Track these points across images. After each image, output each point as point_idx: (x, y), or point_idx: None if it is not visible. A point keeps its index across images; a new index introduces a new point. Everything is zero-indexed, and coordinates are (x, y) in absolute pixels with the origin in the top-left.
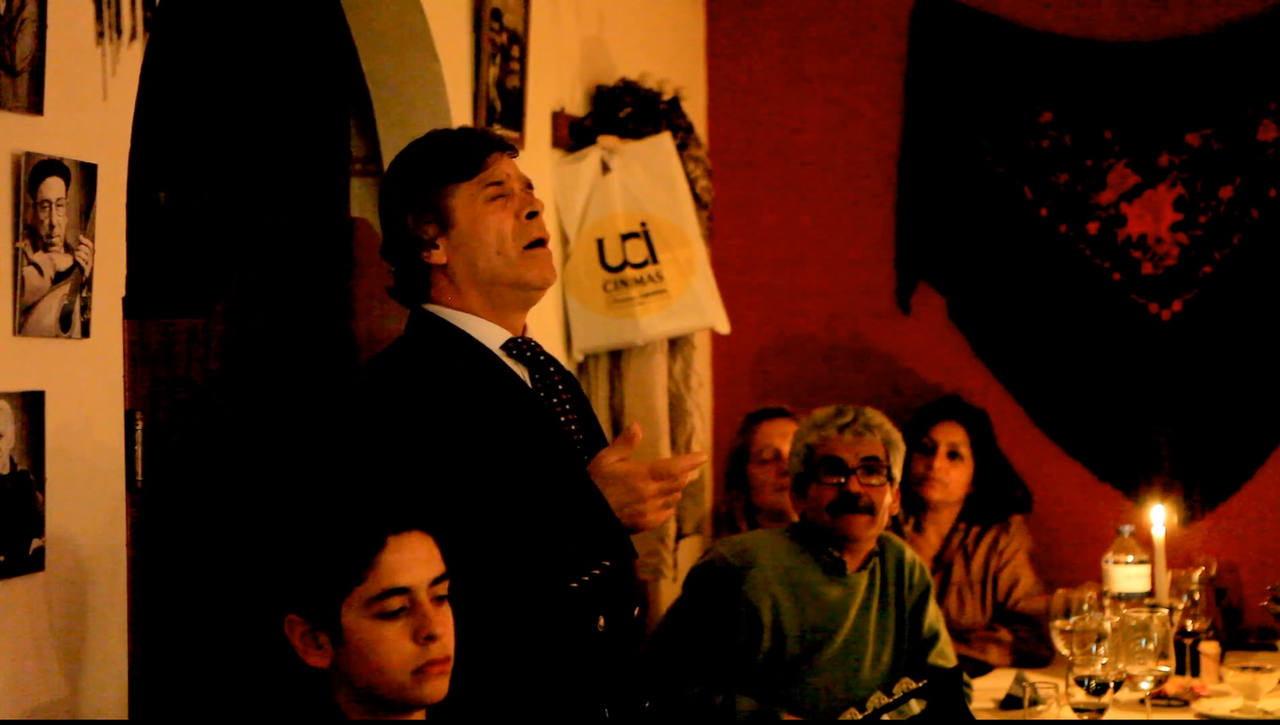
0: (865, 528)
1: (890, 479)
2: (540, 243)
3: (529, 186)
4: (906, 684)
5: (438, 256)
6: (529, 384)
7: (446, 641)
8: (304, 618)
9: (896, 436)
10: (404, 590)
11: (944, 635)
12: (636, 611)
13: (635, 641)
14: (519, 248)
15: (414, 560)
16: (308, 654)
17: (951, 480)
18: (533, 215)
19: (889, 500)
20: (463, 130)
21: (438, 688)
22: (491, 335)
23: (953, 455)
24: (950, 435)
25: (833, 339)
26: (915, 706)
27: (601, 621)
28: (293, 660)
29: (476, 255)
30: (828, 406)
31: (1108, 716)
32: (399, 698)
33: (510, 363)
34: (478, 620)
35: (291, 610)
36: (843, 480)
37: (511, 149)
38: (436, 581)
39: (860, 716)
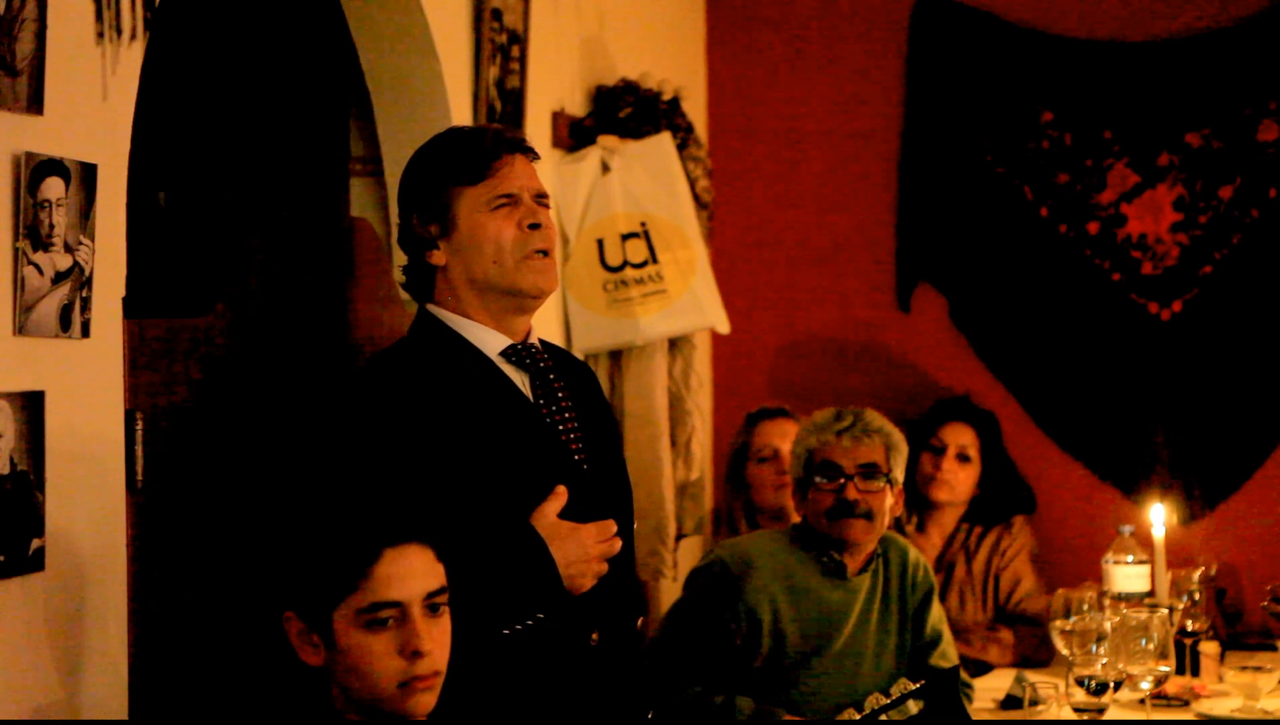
0: (862, 533)
1: (890, 483)
2: (541, 254)
3: (540, 196)
4: (904, 684)
5: (438, 257)
6: (528, 392)
7: (436, 657)
8: (299, 616)
9: (897, 438)
10: (395, 604)
11: (947, 636)
12: (641, 622)
13: (636, 651)
14: (516, 258)
15: (408, 573)
16: (303, 651)
17: (959, 482)
18: (535, 226)
19: (889, 503)
20: (479, 131)
21: (423, 702)
22: (490, 341)
23: (962, 457)
24: (960, 437)
25: (833, 339)
26: (913, 707)
27: (595, 636)
28: (291, 657)
29: (473, 262)
30: (828, 409)
31: (1108, 716)
32: (385, 708)
33: (509, 369)
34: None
35: (289, 608)
36: (840, 485)
37: (526, 151)
38: (433, 594)
39: (858, 717)
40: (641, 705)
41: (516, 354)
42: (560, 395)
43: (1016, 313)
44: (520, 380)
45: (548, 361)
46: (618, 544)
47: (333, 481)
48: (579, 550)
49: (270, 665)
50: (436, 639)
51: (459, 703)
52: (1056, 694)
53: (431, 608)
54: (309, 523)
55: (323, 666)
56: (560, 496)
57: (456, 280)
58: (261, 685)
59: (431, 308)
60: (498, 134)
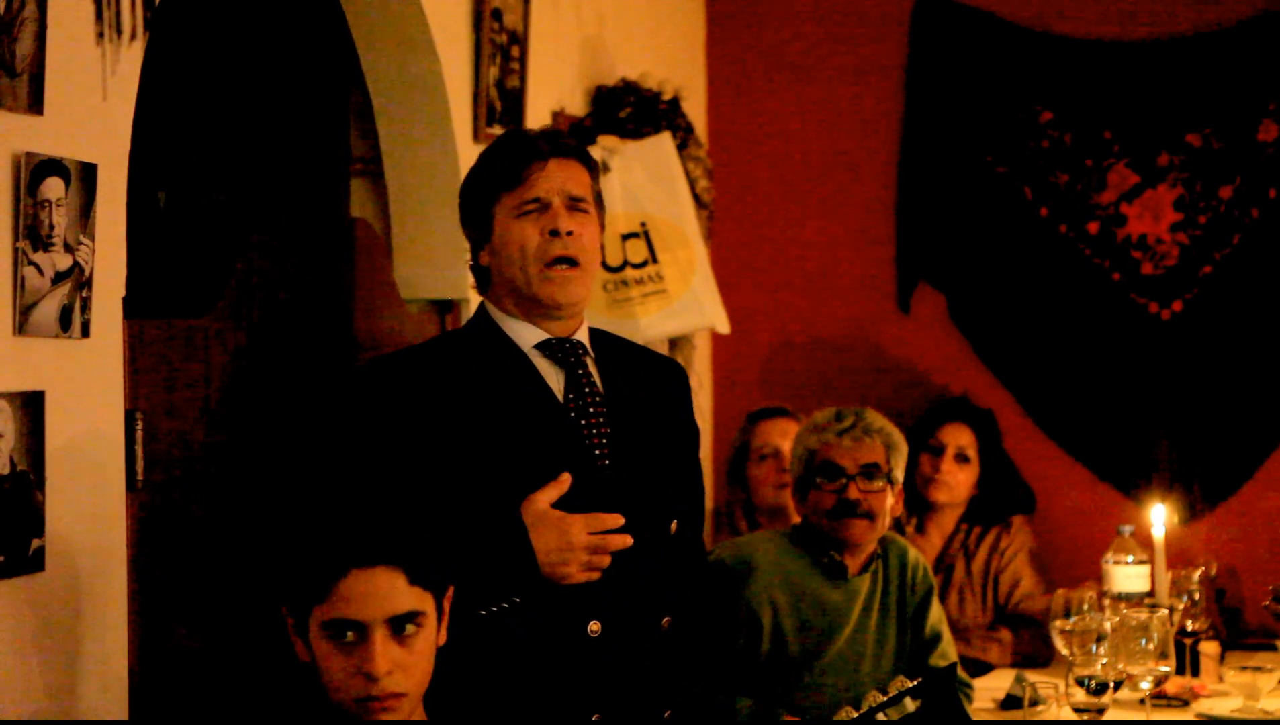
0: (864, 533)
1: (891, 482)
2: (563, 261)
3: (575, 200)
4: (901, 681)
5: (483, 258)
6: (560, 386)
7: (398, 679)
8: (289, 612)
9: (898, 438)
10: (355, 624)
11: (946, 636)
12: (666, 622)
13: (657, 649)
14: (539, 266)
15: (371, 595)
16: (297, 646)
17: (958, 483)
18: (555, 233)
19: (890, 503)
20: (520, 135)
21: (384, 719)
22: (526, 335)
23: (960, 458)
24: (959, 438)
25: (833, 339)
26: (910, 705)
27: (596, 626)
28: (289, 653)
29: (505, 267)
30: (828, 409)
31: (1108, 716)
32: (351, 714)
33: (544, 364)
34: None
35: (281, 603)
36: (841, 485)
37: (566, 154)
38: (400, 618)
39: (856, 715)
40: (658, 704)
41: (551, 349)
42: (589, 391)
43: (1016, 313)
44: (555, 374)
45: (585, 356)
46: (617, 540)
47: (327, 483)
48: (561, 539)
49: (269, 662)
50: (399, 662)
51: (440, 680)
52: (1056, 694)
53: (397, 630)
54: (293, 526)
55: (310, 663)
56: (558, 486)
57: (497, 282)
58: (261, 683)
59: (486, 301)
60: (536, 138)
